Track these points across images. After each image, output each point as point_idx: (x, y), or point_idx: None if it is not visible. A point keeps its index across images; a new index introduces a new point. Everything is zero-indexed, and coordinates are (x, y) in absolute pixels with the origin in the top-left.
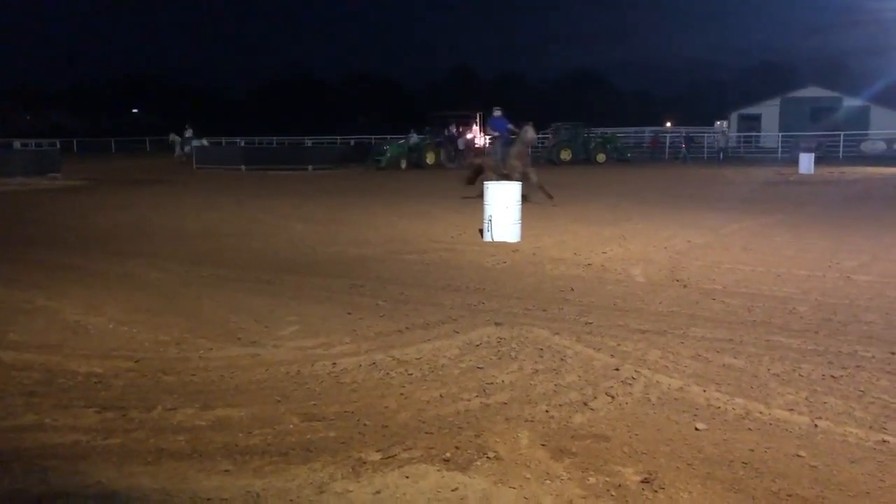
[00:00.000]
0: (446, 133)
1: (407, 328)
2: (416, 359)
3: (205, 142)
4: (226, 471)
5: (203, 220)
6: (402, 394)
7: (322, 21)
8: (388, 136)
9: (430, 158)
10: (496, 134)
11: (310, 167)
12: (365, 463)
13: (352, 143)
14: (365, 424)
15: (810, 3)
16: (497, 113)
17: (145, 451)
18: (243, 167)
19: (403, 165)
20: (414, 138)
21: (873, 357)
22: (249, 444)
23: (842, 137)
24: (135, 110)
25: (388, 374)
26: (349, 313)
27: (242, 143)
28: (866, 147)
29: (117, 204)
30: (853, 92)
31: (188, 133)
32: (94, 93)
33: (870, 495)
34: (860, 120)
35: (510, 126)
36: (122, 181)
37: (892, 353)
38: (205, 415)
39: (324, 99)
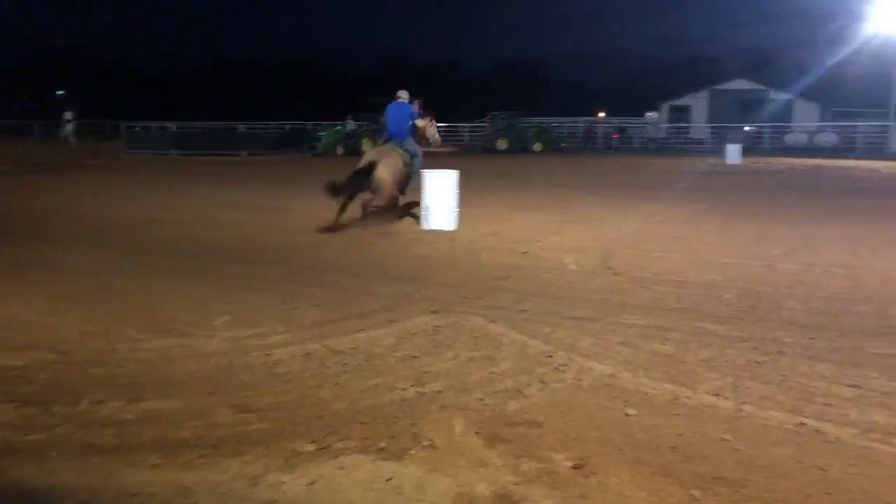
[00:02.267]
0: (384, 119)
1: (342, 317)
2: (352, 348)
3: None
4: (155, 465)
5: (132, 206)
6: (337, 384)
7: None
8: (325, 122)
9: (366, 145)
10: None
11: (243, 153)
12: (299, 454)
13: (287, 128)
14: (299, 415)
15: None
16: (404, 96)
17: (70, 446)
18: (174, 152)
19: (340, 152)
20: (351, 125)
21: (794, 343)
22: (179, 437)
23: (767, 129)
24: (60, 92)
25: (322, 364)
26: (284, 302)
27: (174, 128)
28: (790, 139)
29: (42, 190)
30: (778, 85)
31: (67, 116)
32: (14, 73)
33: (789, 476)
34: (785, 113)
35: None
36: (47, 166)
37: (812, 339)
38: (133, 408)
39: (259, 83)
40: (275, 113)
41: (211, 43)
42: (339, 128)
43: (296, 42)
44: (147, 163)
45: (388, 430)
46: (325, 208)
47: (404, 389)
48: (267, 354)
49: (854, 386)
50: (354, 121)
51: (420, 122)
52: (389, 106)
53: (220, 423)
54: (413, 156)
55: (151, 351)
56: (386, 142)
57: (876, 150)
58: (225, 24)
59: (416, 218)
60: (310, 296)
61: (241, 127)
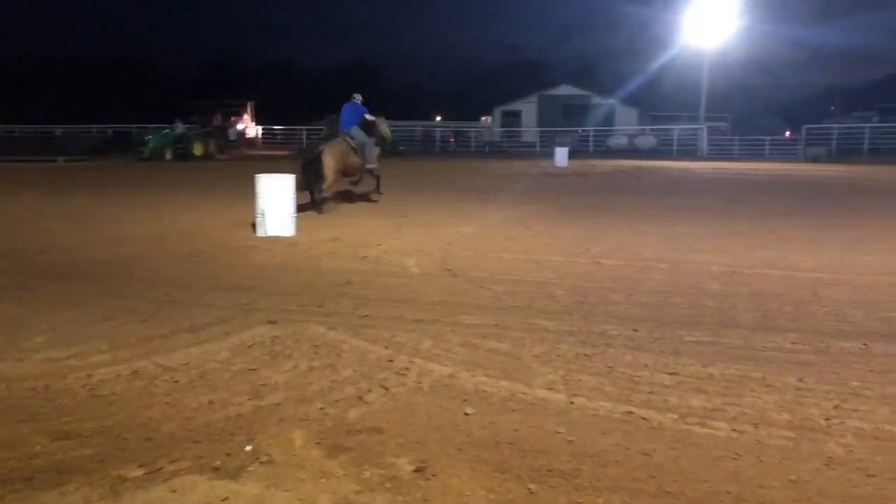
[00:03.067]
0: (216, 123)
1: (172, 332)
2: (183, 364)
3: None
4: None
5: None
6: (167, 403)
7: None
8: (151, 126)
9: (198, 149)
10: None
11: (61, 159)
12: (126, 480)
13: (109, 132)
14: (126, 439)
15: (565, 6)
16: (358, 98)
17: None
18: None
19: (169, 157)
20: (180, 128)
21: (619, 335)
22: None
23: (592, 133)
24: None
25: (151, 382)
26: (107, 319)
27: None
28: (612, 142)
29: None
30: (601, 91)
31: None
32: None
33: (618, 463)
34: (607, 117)
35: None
36: None
37: (635, 331)
38: None
39: (78, 84)
40: (95, 116)
41: (18, 39)
42: (167, 131)
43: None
44: None
45: (224, 447)
46: (153, 218)
47: (240, 404)
48: (88, 375)
49: (673, 373)
50: (183, 124)
51: (369, 118)
52: (345, 105)
53: (35, 452)
54: (362, 144)
55: None
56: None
57: (689, 152)
58: (34, 19)
59: (373, 201)
60: (136, 310)
61: (58, 131)
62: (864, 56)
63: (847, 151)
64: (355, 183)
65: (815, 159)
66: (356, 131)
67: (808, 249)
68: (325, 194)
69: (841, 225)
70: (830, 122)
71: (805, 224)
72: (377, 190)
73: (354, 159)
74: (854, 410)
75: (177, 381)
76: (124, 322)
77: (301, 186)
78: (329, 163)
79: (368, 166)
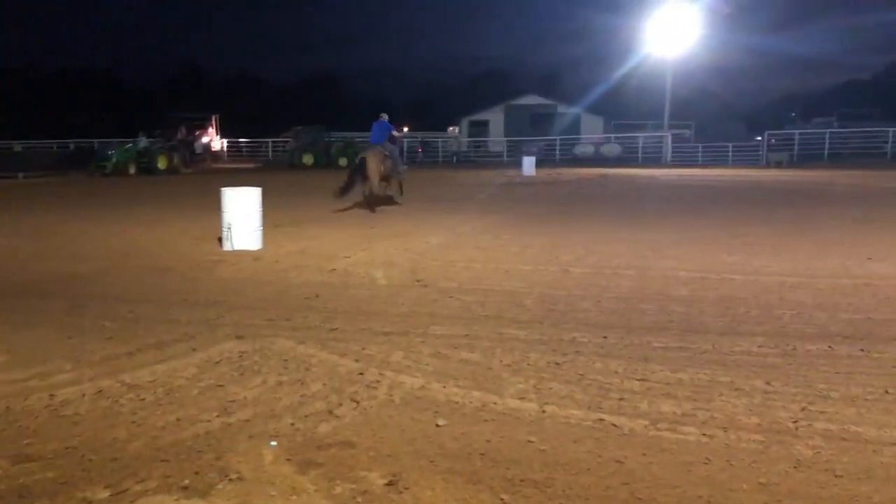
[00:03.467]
0: (180, 136)
1: (138, 349)
2: (150, 382)
3: None
4: None
5: None
6: (133, 421)
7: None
8: (114, 140)
9: (162, 163)
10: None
11: (20, 175)
12: (91, 503)
13: (71, 147)
14: (91, 460)
15: (529, 17)
16: (385, 116)
17: None
18: None
19: (132, 171)
20: (143, 142)
21: (589, 342)
22: None
23: (558, 142)
24: None
25: (116, 401)
26: (70, 337)
27: None
28: (578, 150)
29: None
30: (566, 100)
31: None
32: None
33: (591, 471)
34: (573, 126)
35: (394, 132)
36: None
37: (605, 338)
38: None
39: (38, 98)
40: (56, 131)
41: None
42: (130, 145)
43: (77, 53)
44: None
45: (192, 465)
46: (117, 233)
47: (209, 421)
48: (51, 396)
49: (643, 379)
50: (147, 137)
51: (396, 134)
52: (374, 123)
53: None
54: (391, 153)
55: None
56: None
57: (654, 159)
58: None
59: (396, 203)
60: (100, 328)
61: (18, 147)
62: (822, 63)
63: (808, 156)
64: (384, 188)
65: (778, 165)
66: (387, 146)
67: (772, 254)
68: (378, 190)
69: (804, 229)
70: (792, 127)
71: (769, 229)
72: (400, 193)
73: (389, 164)
74: (821, 412)
75: (143, 399)
76: (88, 340)
77: (343, 191)
78: (372, 166)
79: (400, 169)
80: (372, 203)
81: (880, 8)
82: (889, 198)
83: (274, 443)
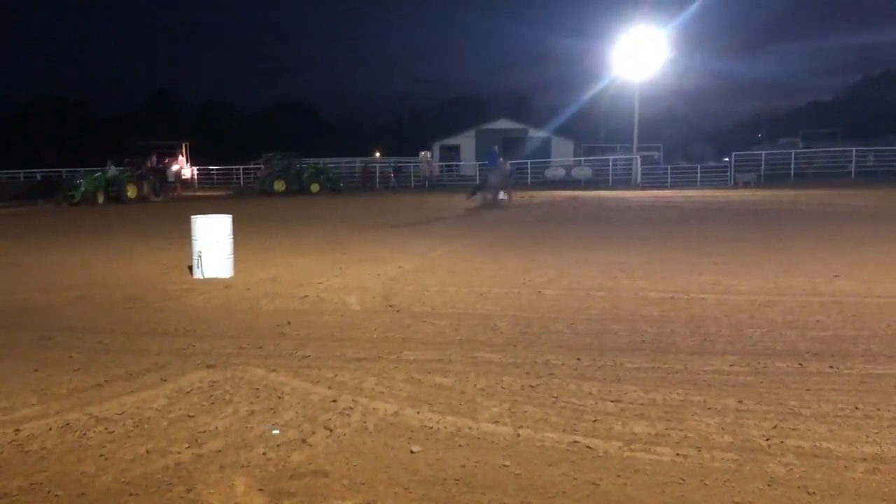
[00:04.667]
0: (150, 164)
1: (106, 381)
2: (118, 414)
3: None
4: None
5: None
6: (101, 455)
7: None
8: (82, 169)
9: (131, 192)
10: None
11: None
12: None
13: (38, 177)
14: (57, 496)
15: (500, 43)
16: (496, 149)
17: None
18: None
19: (101, 200)
20: (112, 170)
21: (563, 364)
22: None
23: (529, 165)
24: None
25: (84, 434)
26: (36, 370)
27: None
28: (549, 173)
29: None
30: (537, 124)
31: None
32: None
33: (566, 494)
34: (543, 149)
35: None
36: None
37: (578, 359)
38: None
39: (2, 127)
40: (23, 161)
41: None
42: (98, 174)
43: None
44: None
45: (162, 499)
46: (85, 263)
47: (179, 453)
48: (16, 430)
49: (617, 401)
50: (116, 166)
51: (502, 161)
52: (490, 150)
53: None
54: (504, 172)
55: None
56: (490, 171)
57: (624, 181)
58: None
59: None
60: (67, 360)
61: None
62: (785, 85)
63: (775, 177)
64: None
65: (745, 185)
66: (500, 167)
67: (742, 273)
68: (497, 198)
69: (772, 249)
70: (758, 148)
71: (738, 248)
72: (510, 203)
73: (502, 182)
74: (793, 430)
75: (111, 432)
76: (54, 372)
77: (473, 194)
78: (494, 181)
79: (508, 188)
80: (492, 205)
81: (840, 32)
82: (854, 216)
83: (276, 431)
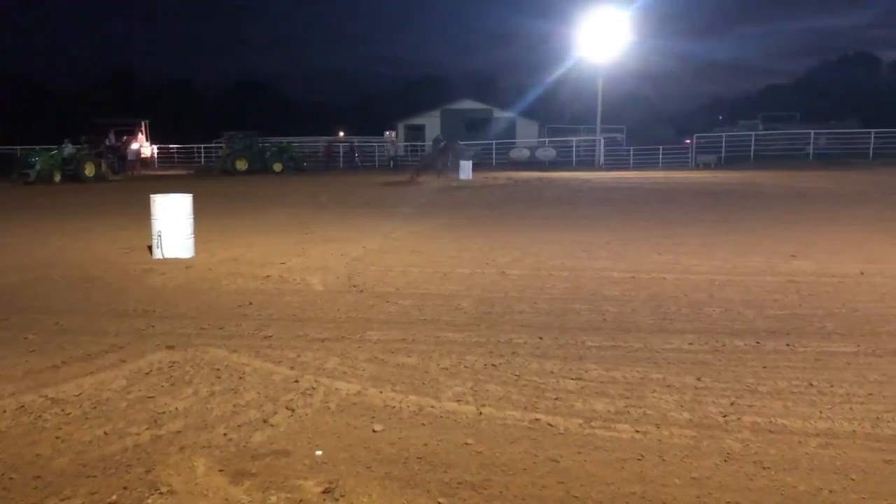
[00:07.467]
0: (108, 142)
1: (63, 362)
2: (76, 395)
3: None
4: None
5: None
6: (58, 437)
7: None
8: (38, 147)
9: (89, 171)
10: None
11: None
12: None
13: None
14: (11, 479)
15: (465, 22)
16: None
17: None
18: None
19: (58, 179)
20: (69, 149)
21: (525, 343)
22: None
23: (494, 146)
24: None
25: (40, 416)
26: None
27: None
28: (514, 154)
29: None
30: (501, 105)
31: None
32: None
33: (527, 471)
34: (508, 130)
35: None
36: None
37: (540, 338)
38: None
39: None
40: None
41: None
42: (55, 152)
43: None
44: None
45: (121, 480)
46: (41, 243)
47: (138, 434)
48: None
49: (578, 379)
50: (73, 144)
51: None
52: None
53: None
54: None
55: None
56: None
57: (588, 162)
58: None
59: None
60: (23, 342)
61: None
62: (745, 68)
63: (735, 158)
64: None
65: (706, 166)
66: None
67: (701, 253)
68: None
69: (732, 229)
70: (719, 130)
71: (698, 229)
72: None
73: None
74: (749, 406)
75: (68, 414)
76: (9, 354)
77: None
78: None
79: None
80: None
81: (798, 16)
82: (811, 197)
83: (319, 452)
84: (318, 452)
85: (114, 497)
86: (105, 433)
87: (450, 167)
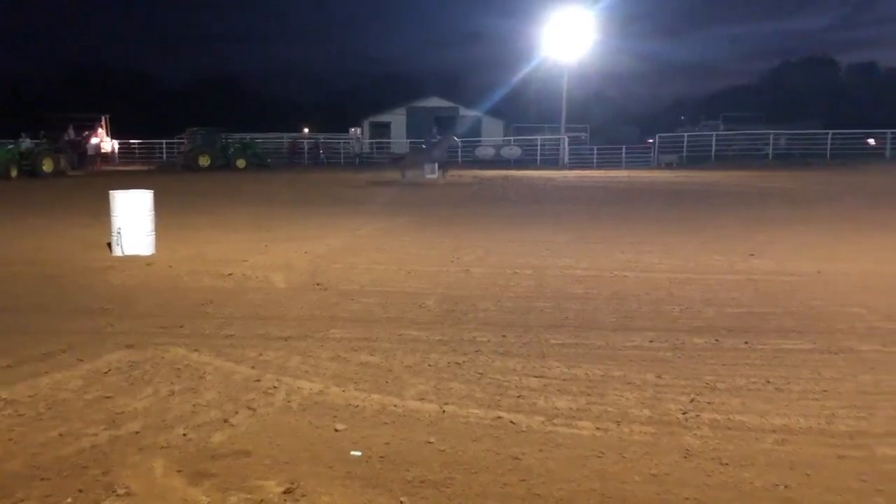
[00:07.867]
0: (67, 137)
1: (18, 362)
2: (30, 396)
3: None
4: None
5: None
6: (10, 439)
7: None
8: None
9: (47, 166)
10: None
11: None
12: None
13: None
14: None
15: (431, 20)
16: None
17: None
18: None
19: (14, 174)
20: (26, 143)
21: (489, 341)
22: None
23: (460, 144)
24: None
25: None
26: None
27: None
28: (480, 152)
29: None
30: (468, 103)
31: None
32: None
33: (489, 469)
34: (474, 128)
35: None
36: None
37: (504, 336)
38: None
39: None
40: None
41: None
42: (11, 146)
43: None
44: None
45: (76, 482)
46: (2, 240)
47: (95, 435)
48: None
49: (540, 376)
50: (31, 139)
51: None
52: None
53: None
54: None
55: None
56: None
57: (552, 161)
58: None
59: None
60: None
61: None
62: (706, 69)
63: (697, 158)
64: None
65: (668, 166)
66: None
67: (662, 252)
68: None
69: (692, 227)
70: (681, 130)
71: (659, 228)
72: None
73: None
74: (708, 403)
75: (22, 415)
76: None
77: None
78: (436, 155)
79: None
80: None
81: (760, 18)
82: (770, 197)
83: (358, 453)
84: (357, 453)
85: (69, 500)
86: (60, 434)
87: (448, 161)
